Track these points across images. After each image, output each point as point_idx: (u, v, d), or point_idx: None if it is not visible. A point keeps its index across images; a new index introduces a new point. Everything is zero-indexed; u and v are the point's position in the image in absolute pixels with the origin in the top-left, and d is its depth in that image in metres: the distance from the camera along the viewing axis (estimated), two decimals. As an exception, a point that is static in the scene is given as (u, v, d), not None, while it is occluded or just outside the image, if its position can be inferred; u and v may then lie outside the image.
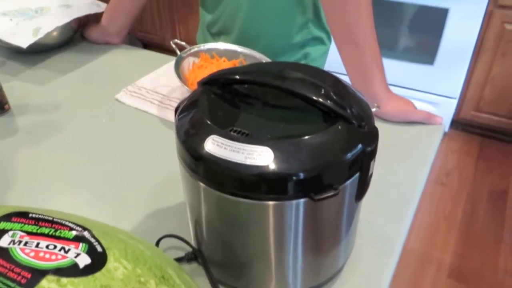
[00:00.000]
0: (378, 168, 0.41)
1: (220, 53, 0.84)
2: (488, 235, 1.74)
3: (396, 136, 0.75)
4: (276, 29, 0.97)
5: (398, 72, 2.11)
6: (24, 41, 0.90)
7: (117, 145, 0.73)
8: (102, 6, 1.06)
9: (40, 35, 0.91)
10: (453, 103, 2.11)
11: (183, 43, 0.83)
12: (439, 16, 1.96)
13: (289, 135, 0.39)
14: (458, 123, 2.22)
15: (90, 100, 0.85)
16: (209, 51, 0.84)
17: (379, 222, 0.58)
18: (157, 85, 0.87)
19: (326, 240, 0.45)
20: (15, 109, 0.82)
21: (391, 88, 0.79)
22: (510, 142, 2.18)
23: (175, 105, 0.82)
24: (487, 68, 1.98)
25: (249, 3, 0.93)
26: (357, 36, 0.77)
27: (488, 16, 1.88)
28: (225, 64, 0.82)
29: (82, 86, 0.90)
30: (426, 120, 0.77)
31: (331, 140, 0.39)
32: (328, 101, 0.40)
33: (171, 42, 0.82)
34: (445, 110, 2.14)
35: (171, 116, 0.79)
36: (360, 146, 0.39)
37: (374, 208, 0.58)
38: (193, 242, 0.52)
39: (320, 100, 0.40)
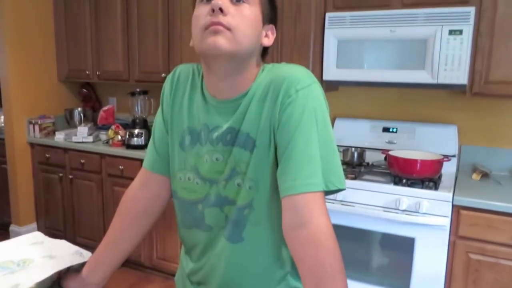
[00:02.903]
0: None
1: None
2: None
3: None
4: (255, 282, 0.99)
5: (375, 298, 2.10)
6: (-1, 302, 0.88)
7: None
8: (86, 256, 1.08)
9: (18, 292, 0.91)
10: (436, 332, 2.04)
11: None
12: (406, 244, 2.07)
13: None
14: None
15: None
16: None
17: None
18: None
19: None
20: None
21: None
22: None
23: None
24: (462, 296, 1.99)
25: (229, 258, 0.97)
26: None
27: (452, 246, 1.99)
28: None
29: None
30: None
31: None
32: None
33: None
34: None
35: None
36: None
37: None
38: None
39: None
